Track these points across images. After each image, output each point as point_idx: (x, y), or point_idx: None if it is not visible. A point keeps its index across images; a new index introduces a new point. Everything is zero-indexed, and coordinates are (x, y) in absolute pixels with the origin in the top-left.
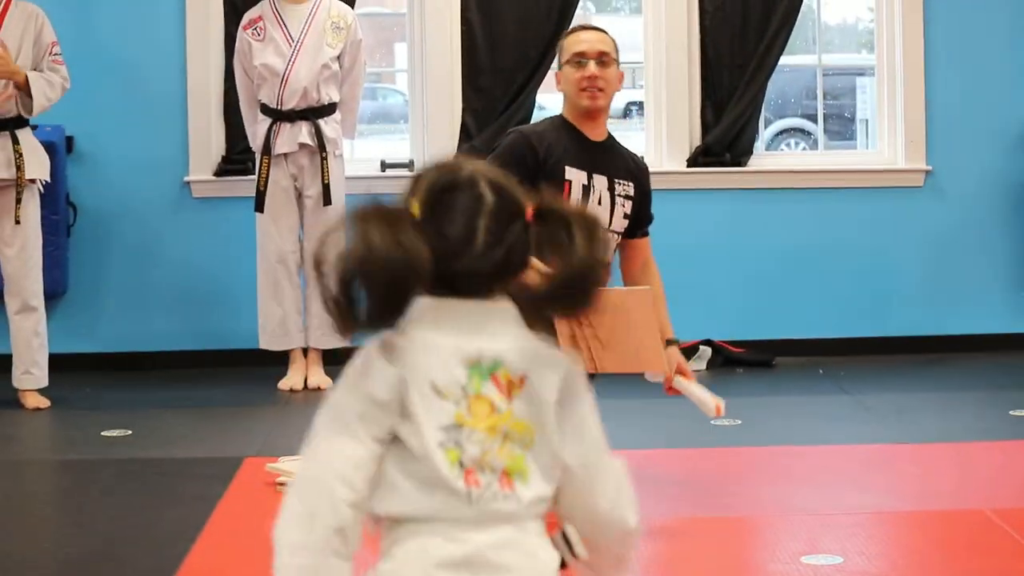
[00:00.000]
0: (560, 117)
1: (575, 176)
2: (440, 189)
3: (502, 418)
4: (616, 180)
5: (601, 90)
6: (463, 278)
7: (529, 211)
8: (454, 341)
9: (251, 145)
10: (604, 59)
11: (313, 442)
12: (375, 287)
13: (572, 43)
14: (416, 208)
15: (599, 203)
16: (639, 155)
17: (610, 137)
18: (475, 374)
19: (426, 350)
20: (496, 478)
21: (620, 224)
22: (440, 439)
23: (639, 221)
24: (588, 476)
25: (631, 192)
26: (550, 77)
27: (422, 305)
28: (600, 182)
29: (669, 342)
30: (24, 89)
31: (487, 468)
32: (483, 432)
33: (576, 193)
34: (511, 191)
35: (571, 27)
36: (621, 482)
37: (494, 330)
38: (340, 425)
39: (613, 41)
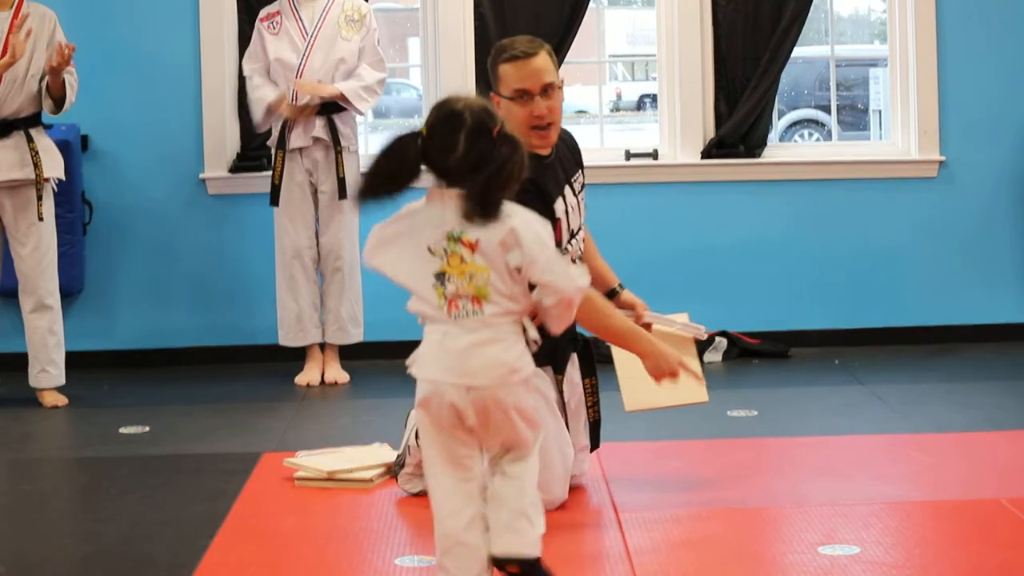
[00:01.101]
0: None
1: (559, 208)
2: (439, 114)
3: (468, 266)
4: (572, 182)
5: (551, 124)
6: (451, 173)
7: (495, 131)
8: (442, 219)
9: (263, 109)
10: (549, 90)
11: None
12: (378, 176)
13: (513, 76)
14: (424, 129)
15: (572, 212)
16: (565, 132)
17: (553, 145)
18: (451, 240)
19: (423, 224)
20: (469, 302)
21: (583, 217)
22: (432, 282)
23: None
24: (546, 283)
25: (583, 179)
26: (563, 71)
27: (426, 194)
28: (568, 195)
29: (614, 290)
30: (58, 92)
31: (462, 297)
32: (457, 276)
33: (563, 223)
34: (485, 116)
35: (502, 46)
36: (559, 283)
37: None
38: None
39: (549, 55)
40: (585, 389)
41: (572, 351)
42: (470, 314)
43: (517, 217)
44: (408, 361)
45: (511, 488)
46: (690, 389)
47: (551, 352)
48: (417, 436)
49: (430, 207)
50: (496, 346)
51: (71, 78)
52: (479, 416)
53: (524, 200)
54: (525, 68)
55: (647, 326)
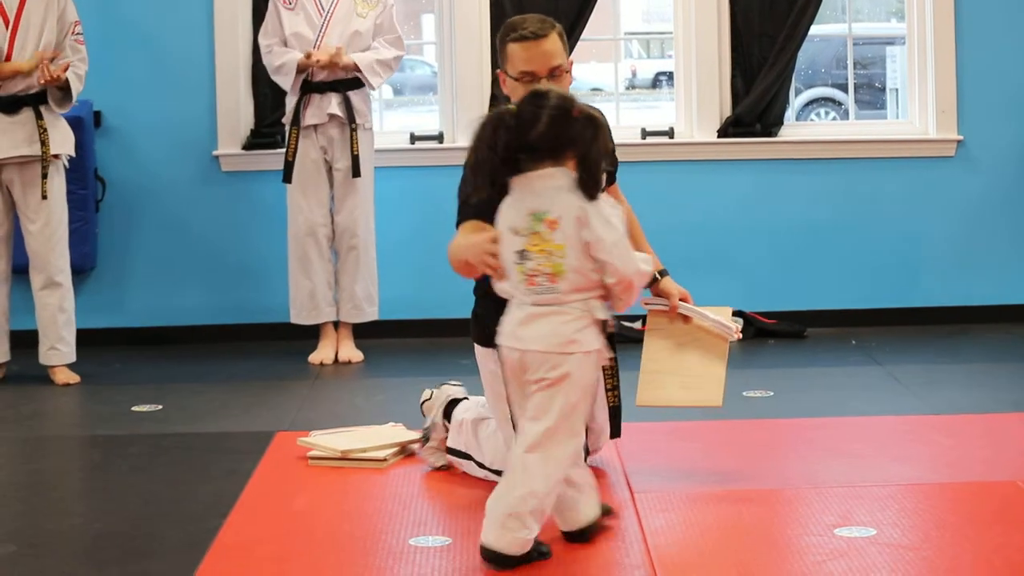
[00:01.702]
0: None
1: None
2: (526, 96)
3: (547, 244)
4: None
5: None
6: (535, 149)
7: (575, 112)
8: (526, 200)
9: (284, 82)
10: (556, 73)
11: None
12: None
13: (520, 57)
14: (513, 108)
15: None
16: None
17: None
18: (535, 219)
19: (509, 207)
20: (546, 279)
21: None
22: (515, 259)
23: (609, 175)
24: (606, 262)
25: (604, 164)
26: (578, 48)
27: (518, 178)
28: None
29: (655, 278)
30: (61, 86)
31: (540, 274)
32: (536, 253)
33: None
34: (568, 99)
35: (512, 23)
36: (620, 265)
37: (546, 191)
38: None
39: (560, 36)
40: (604, 371)
41: None
42: (546, 291)
43: (602, 195)
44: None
45: (520, 477)
46: (706, 391)
47: None
48: (445, 414)
49: (516, 192)
50: (557, 318)
51: (78, 69)
52: (525, 374)
53: (473, 178)
54: (533, 49)
55: (685, 318)
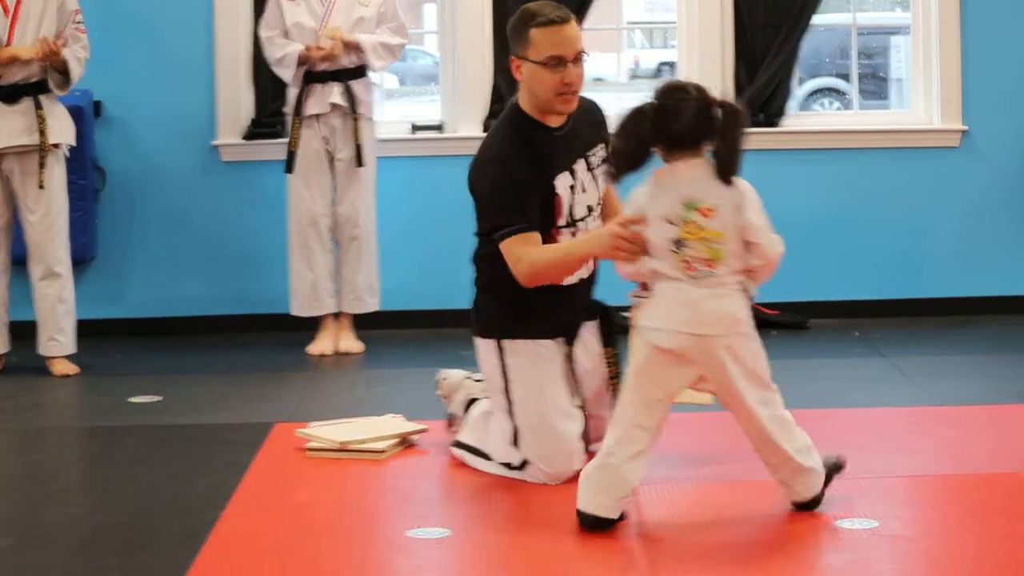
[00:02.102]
0: (516, 115)
1: (561, 183)
2: (664, 88)
3: (704, 231)
4: (588, 155)
5: (576, 91)
6: (679, 139)
7: (716, 102)
8: (676, 190)
9: (285, 74)
10: (580, 57)
11: None
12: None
13: (546, 42)
14: (655, 101)
15: (584, 191)
16: (588, 100)
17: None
18: (688, 208)
19: (656, 197)
20: (704, 264)
21: (603, 187)
22: (670, 247)
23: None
24: (758, 242)
25: (602, 152)
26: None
27: (661, 170)
28: (580, 169)
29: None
30: (60, 68)
31: (698, 261)
32: (694, 241)
33: (565, 199)
34: (705, 91)
35: (533, 9)
36: (768, 246)
37: (695, 181)
38: None
39: (577, 23)
40: (607, 359)
41: (586, 320)
42: (705, 275)
43: (742, 182)
44: (632, 314)
45: (782, 431)
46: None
47: (564, 322)
48: (467, 409)
49: (661, 182)
50: (725, 300)
51: (78, 53)
52: (707, 362)
53: (517, 169)
54: (560, 34)
55: None
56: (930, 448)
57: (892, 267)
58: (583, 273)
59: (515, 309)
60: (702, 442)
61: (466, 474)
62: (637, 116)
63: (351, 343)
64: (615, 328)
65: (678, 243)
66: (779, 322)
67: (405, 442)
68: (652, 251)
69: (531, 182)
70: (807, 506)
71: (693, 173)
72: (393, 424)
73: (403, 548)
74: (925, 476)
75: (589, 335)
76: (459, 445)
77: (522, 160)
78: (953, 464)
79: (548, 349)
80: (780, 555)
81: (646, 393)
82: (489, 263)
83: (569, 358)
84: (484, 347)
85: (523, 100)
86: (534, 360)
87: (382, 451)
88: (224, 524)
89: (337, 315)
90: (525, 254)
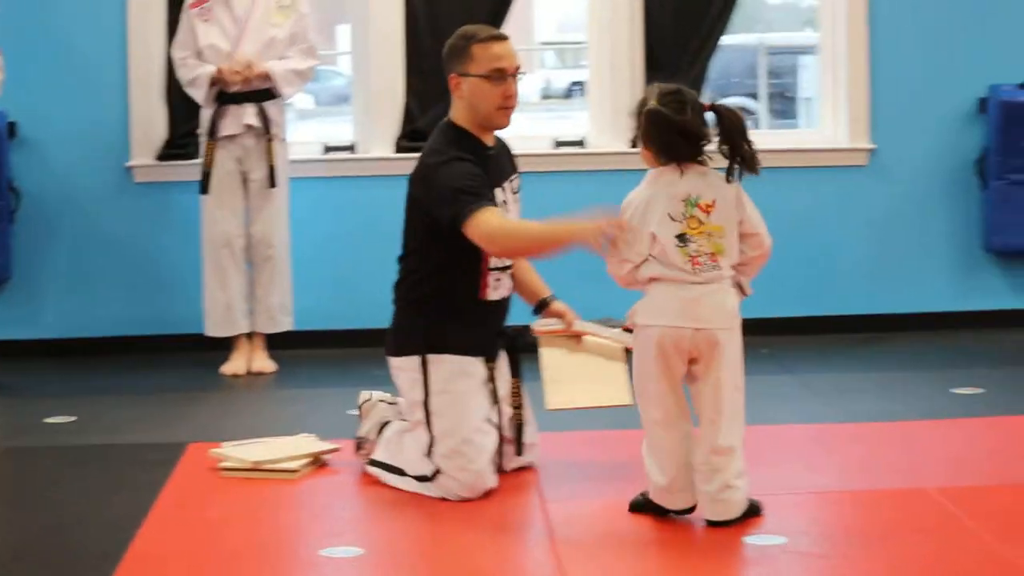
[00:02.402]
0: (453, 130)
1: (498, 196)
2: (661, 92)
3: (706, 226)
4: (510, 180)
5: (514, 106)
6: (684, 137)
7: (707, 106)
8: (676, 189)
9: (197, 95)
10: (518, 73)
11: None
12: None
13: (488, 55)
14: (654, 103)
15: (510, 211)
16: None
17: (496, 137)
18: (688, 204)
19: (657, 196)
20: (709, 258)
21: (519, 212)
22: (676, 243)
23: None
24: (756, 232)
25: (519, 183)
26: None
27: (656, 171)
28: (507, 190)
29: (546, 301)
30: None
31: (703, 254)
32: (697, 235)
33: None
34: (695, 95)
35: (471, 31)
36: (764, 236)
37: (693, 179)
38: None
39: None
40: (512, 390)
41: (502, 344)
42: (710, 269)
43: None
44: (630, 313)
45: (724, 460)
46: (613, 391)
47: (486, 341)
48: (380, 431)
49: (659, 182)
50: (722, 295)
51: None
52: (706, 350)
53: (471, 165)
54: (504, 48)
55: (578, 336)
56: (838, 464)
57: (800, 285)
58: (504, 292)
59: (440, 325)
60: (612, 461)
61: (379, 493)
62: (656, 115)
63: (264, 363)
64: (520, 360)
65: (682, 238)
66: None
67: (317, 461)
68: (655, 252)
69: (482, 176)
70: (724, 523)
71: (690, 171)
72: (306, 444)
73: (316, 567)
74: (833, 492)
75: (503, 363)
76: (374, 463)
77: (471, 161)
78: (861, 480)
79: (472, 365)
80: (689, 573)
81: (663, 387)
82: (416, 281)
83: (491, 378)
84: (405, 364)
85: (459, 117)
86: (457, 373)
87: (295, 471)
88: (139, 544)
89: (251, 335)
90: (502, 221)
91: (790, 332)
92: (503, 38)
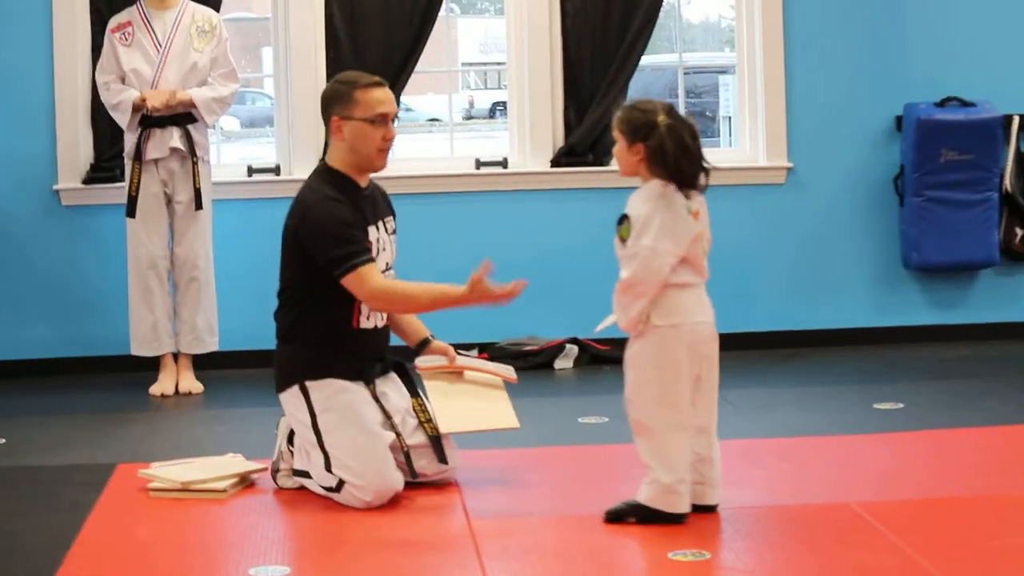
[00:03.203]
0: (329, 172)
1: (372, 234)
2: (670, 109)
3: (699, 226)
4: (384, 220)
5: (390, 148)
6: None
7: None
8: (675, 200)
9: (121, 119)
10: (395, 118)
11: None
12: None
13: (372, 101)
14: (663, 118)
15: (384, 250)
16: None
17: (370, 180)
18: (687, 212)
19: (670, 207)
20: (704, 258)
21: (394, 257)
22: (697, 250)
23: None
24: (709, 240)
25: (394, 225)
26: (414, 79)
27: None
28: (381, 229)
29: (427, 339)
30: None
31: (704, 255)
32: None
33: (375, 247)
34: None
35: (353, 76)
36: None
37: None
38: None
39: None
40: (415, 409)
41: (383, 371)
42: (704, 270)
43: None
44: (659, 319)
45: (708, 469)
46: (501, 415)
47: (362, 367)
48: (290, 441)
49: (660, 192)
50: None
51: None
52: (709, 353)
53: (345, 209)
54: (387, 94)
55: (459, 372)
56: (761, 479)
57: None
58: (379, 323)
59: (316, 353)
60: (537, 478)
61: (306, 511)
62: (671, 129)
63: (191, 383)
64: (412, 379)
65: (695, 240)
66: (611, 357)
67: (245, 481)
68: (683, 262)
69: (355, 220)
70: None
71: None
72: (233, 463)
73: None
74: (757, 507)
75: (393, 381)
76: (296, 473)
77: (346, 204)
78: (785, 495)
79: (353, 386)
80: None
81: (685, 387)
82: (291, 312)
83: (375, 396)
84: (289, 396)
85: (336, 160)
86: (338, 390)
87: (223, 490)
88: (69, 565)
89: (177, 355)
90: (379, 283)
91: None
92: (383, 84)
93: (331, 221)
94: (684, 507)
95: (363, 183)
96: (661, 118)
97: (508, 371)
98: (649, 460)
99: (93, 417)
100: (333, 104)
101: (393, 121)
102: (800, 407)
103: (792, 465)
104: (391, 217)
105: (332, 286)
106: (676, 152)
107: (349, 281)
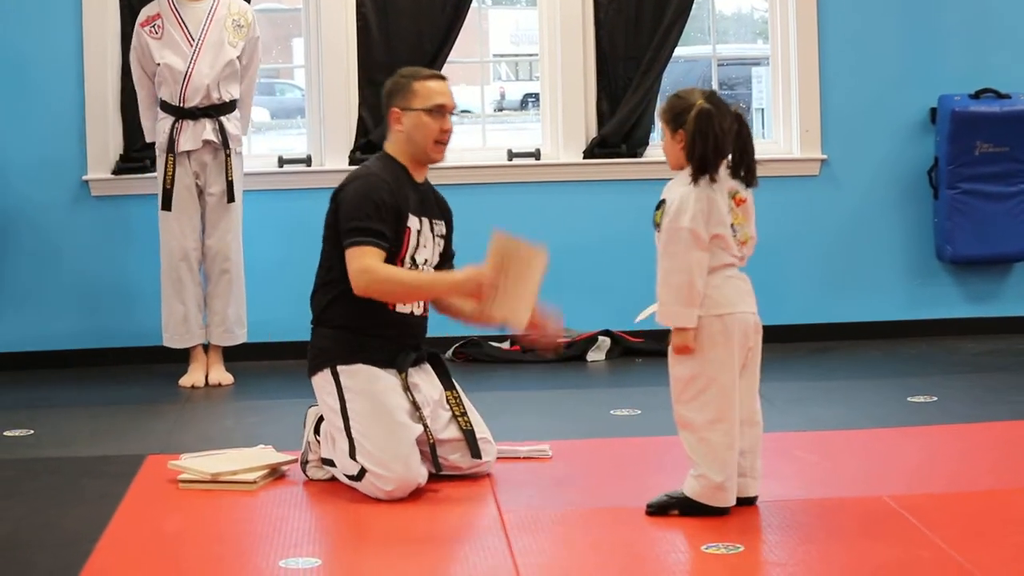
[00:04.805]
0: (389, 157)
1: (413, 223)
2: (711, 95)
3: (740, 218)
4: (433, 221)
5: (448, 142)
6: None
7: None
8: (722, 183)
9: (147, 139)
10: (454, 111)
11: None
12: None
13: (430, 92)
14: (705, 105)
15: (425, 245)
16: (442, 195)
17: (426, 178)
18: (731, 197)
19: (713, 194)
20: (743, 245)
21: (436, 260)
22: (731, 233)
23: (447, 256)
24: (754, 236)
25: (443, 231)
26: (447, 70)
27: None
28: (425, 224)
29: None
30: None
31: (741, 242)
32: (738, 225)
33: (412, 240)
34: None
35: (413, 70)
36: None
37: (725, 179)
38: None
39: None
40: (449, 402)
41: (414, 356)
42: (746, 254)
43: None
44: (704, 309)
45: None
46: (535, 263)
47: (396, 355)
48: (316, 431)
49: (705, 181)
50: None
51: None
52: (753, 344)
53: (381, 188)
54: (445, 87)
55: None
56: (794, 473)
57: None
58: (416, 309)
59: (349, 337)
60: (569, 470)
61: (337, 502)
62: (707, 116)
63: (221, 375)
64: (448, 371)
65: (732, 228)
66: (643, 349)
67: (275, 472)
68: (715, 240)
69: (390, 204)
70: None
71: (724, 170)
72: (263, 455)
73: None
74: (790, 501)
75: (426, 372)
76: (324, 462)
77: (387, 183)
78: (817, 489)
79: (384, 374)
80: None
81: (735, 378)
82: (327, 293)
83: (406, 386)
84: (320, 380)
85: (395, 149)
86: (370, 377)
87: (253, 482)
88: (98, 557)
89: (207, 347)
90: (373, 265)
91: None
92: (443, 78)
93: (365, 194)
94: (731, 501)
95: (418, 177)
96: (700, 102)
97: (542, 451)
98: (695, 457)
99: (123, 409)
100: (393, 96)
101: (451, 114)
102: (833, 400)
103: (824, 458)
104: (441, 222)
105: None
106: (707, 136)
107: (350, 253)
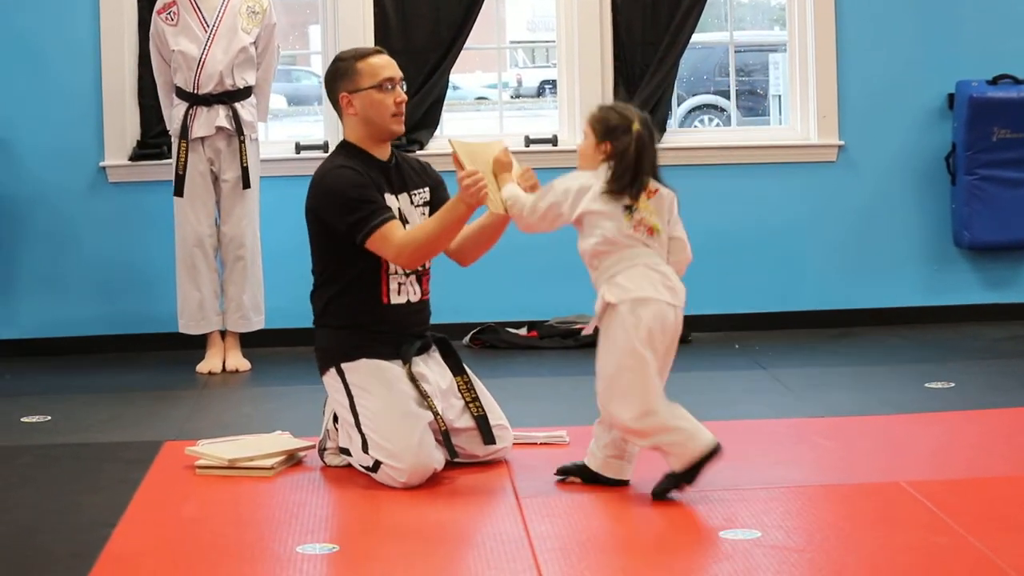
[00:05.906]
0: (343, 147)
1: (392, 203)
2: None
3: (648, 206)
4: (412, 193)
5: (403, 112)
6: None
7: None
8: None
9: (167, 126)
10: (402, 81)
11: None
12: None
13: (375, 68)
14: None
15: (410, 220)
16: (421, 159)
17: (392, 151)
18: (625, 209)
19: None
20: (647, 231)
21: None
22: (624, 213)
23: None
24: (681, 237)
25: (427, 197)
26: (463, 57)
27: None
28: (404, 200)
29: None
30: None
31: (644, 225)
32: (641, 207)
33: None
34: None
35: (350, 51)
36: (687, 242)
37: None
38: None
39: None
40: (459, 388)
41: (419, 346)
42: (653, 240)
43: None
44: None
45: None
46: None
47: (398, 347)
48: (335, 419)
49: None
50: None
51: None
52: (675, 330)
53: (361, 176)
54: (388, 60)
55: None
56: (811, 459)
57: (772, 280)
58: (413, 297)
59: (349, 334)
60: (584, 454)
61: (354, 489)
62: (640, 138)
63: (238, 361)
64: (458, 357)
65: (628, 208)
66: None
67: (293, 459)
68: (608, 220)
69: (367, 181)
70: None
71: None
72: (281, 441)
73: (292, 564)
74: (807, 487)
75: (434, 360)
76: (342, 451)
77: (352, 168)
78: (834, 475)
79: (388, 364)
80: (664, 567)
81: (649, 363)
82: (323, 294)
83: (412, 377)
84: (329, 379)
85: (353, 136)
86: (375, 371)
87: (270, 468)
88: (115, 542)
89: (224, 333)
90: (402, 236)
91: (761, 327)
92: (382, 51)
93: (344, 186)
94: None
95: (382, 155)
96: (636, 126)
97: (559, 437)
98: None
99: (140, 395)
100: (337, 82)
101: (400, 85)
102: (850, 386)
103: (842, 444)
104: (425, 188)
105: (356, 264)
106: (635, 160)
107: (373, 243)
